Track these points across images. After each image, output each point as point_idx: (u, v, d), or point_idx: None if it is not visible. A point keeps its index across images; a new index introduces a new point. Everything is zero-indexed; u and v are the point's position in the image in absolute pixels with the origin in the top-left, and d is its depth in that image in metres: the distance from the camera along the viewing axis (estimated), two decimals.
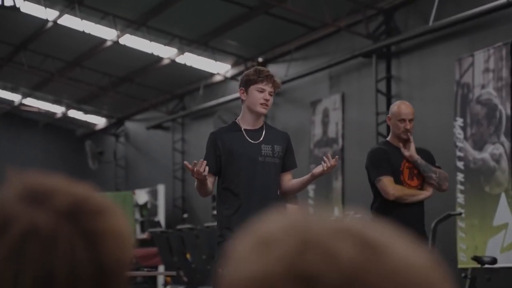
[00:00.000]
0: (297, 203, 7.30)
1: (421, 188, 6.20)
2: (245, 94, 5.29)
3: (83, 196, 1.12)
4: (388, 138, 6.38)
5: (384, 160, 6.16)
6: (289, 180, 5.41)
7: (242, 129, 5.31)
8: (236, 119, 5.42)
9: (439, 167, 6.27)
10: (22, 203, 1.09)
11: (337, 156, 5.32)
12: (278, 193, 5.43)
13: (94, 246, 1.09)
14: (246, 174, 5.21)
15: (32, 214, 1.08)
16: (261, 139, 5.31)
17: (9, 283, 1.06)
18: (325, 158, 5.21)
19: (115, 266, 1.10)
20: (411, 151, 6.19)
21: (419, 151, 6.31)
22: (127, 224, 1.14)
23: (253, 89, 5.24)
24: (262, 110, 5.27)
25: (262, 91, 5.23)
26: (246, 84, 5.28)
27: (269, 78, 5.26)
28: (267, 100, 5.24)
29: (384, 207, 6.13)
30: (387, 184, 6.08)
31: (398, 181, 6.14)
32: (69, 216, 1.09)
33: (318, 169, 5.25)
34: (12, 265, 1.06)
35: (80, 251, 1.07)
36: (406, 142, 6.23)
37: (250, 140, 5.29)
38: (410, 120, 6.20)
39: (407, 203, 6.10)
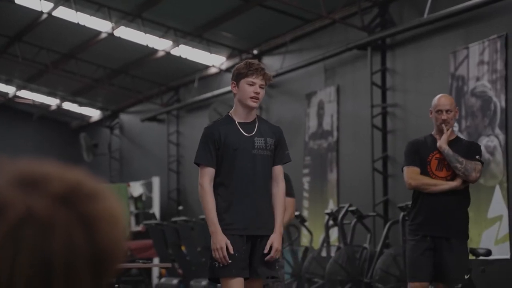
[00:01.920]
0: (293, 196, 7.29)
1: (451, 179, 6.29)
2: (236, 87, 5.30)
3: (77, 180, 1.12)
4: (433, 131, 6.49)
5: (413, 151, 6.37)
6: (277, 183, 5.36)
7: (236, 122, 5.31)
8: (229, 112, 5.43)
9: (479, 160, 6.34)
10: (16, 188, 1.09)
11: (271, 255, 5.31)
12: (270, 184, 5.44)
13: (90, 229, 1.09)
14: (241, 166, 5.23)
15: (28, 199, 1.08)
16: (254, 132, 5.32)
17: (6, 269, 1.06)
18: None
19: (111, 248, 1.11)
20: (440, 141, 6.30)
21: (465, 143, 6.47)
22: (120, 208, 1.15)
23: (243, 82, 5.25)
24: (252, 103, 5.27)
25: (252, 84, 5.24)
26: (237, 78, 5.29)
27: (259, 71, 5.26)
28: (257, 93, 5.25)
29: (415, 196, 6.37)
30: (407, 174, 6.32)
31: (424, 171, 6.30)
32: (65, 200, 1.09)
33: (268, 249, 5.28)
34: (9, 251, 1.06)
35: (77, 234, 1.08)
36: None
37: (244, 133, 5.30)
38: (447, 111, 6.30)
39: (430, 192, 6.22)
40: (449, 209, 6.25)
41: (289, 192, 7.18)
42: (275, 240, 5.25)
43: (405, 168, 6.36)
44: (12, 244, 1.07)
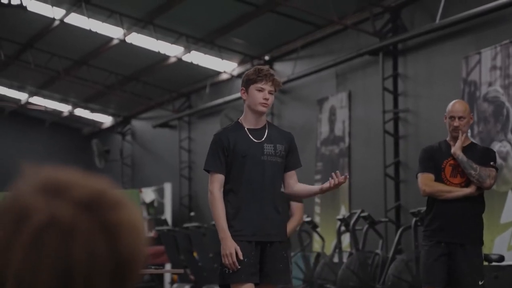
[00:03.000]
0: (301, 201, 7.31)
1: (466, 185, 6.29)
2: (245, 93, 5.32)
3: (99, 189, 1.14)
4: (447, 137, 6.49)
5: (428, 158, 6.37)
6: (294, 180, 5.42)
7: (246, 128, 5.33)
8: (238, 118, 5.45)
9: (494, 166, 6.33)
10: (40, 195, 1.11)
11: (346, 174, 5.28)
12: (282, 190, 5.45)
13: (112, 237, 1.10)
14: (250, 173, 5.25)
15: (51, 205, 1.09)
16: (264, 138, 5.33)
17: (29, 274, 1.07)
18: (333, 175, 5.18)
19: (131, 256, 1.12)
20: (455, 148, 6.30)
21: (480, 149, 6.47)
22: (141, 218, 1.16)
23: (253, 88, 5.27)
24: (262, 109, 5.29)
25: (261, 90, 5.26)
26: (246, 84, 5.31)
27: (269, 77, 5.28)
28: (266, 99, 5.27)
29: (430, 202, 6.37)
30: (422, 181, 6.32)
31: (439, 178, 6.30)
32: (87, 207, 1.10)
33: (326, 185, 5.25)
34: (32, 256, 1.07)
35: (98, 242, 1.09)
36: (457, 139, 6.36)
37: (254, 139, 5.31)
38: (460, 118, 6.29)
39: (446, 199, 6.23)
40: (464, 215, 6.24)
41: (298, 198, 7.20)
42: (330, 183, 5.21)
43: (419, 175, 6.36)
44: (35, 249, 1.08)
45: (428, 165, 6.33)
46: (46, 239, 1.08)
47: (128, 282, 1.12)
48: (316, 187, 5.50)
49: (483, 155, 6.35)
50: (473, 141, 6.43)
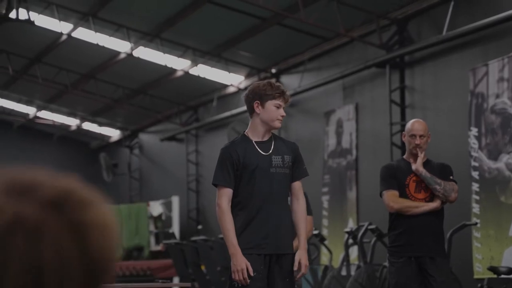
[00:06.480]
0: (311, 213, 7.27)
1: (430, 200, 6.47)
2: (260, 107, 5.31)
3: (68, 188, 1.12)
4: (404, 155, 6.74)
5: (390, 175, 6.56)
6: (296, 197, 5.40)
7: (253, 141, 5.34)
8: (244, 131, 5.45)
9: (453, 181, 6.52)
10: (5, 195, 1.08)
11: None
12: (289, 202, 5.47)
13: (81, 236, 1.08)
14: (259, 186, 5.25)
15: (17, 206, 1.07)
16: (271, 150, 5.34)
17: None
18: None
19: (102, 256, 1.10)
20: (417, 165, 6.49)
21: (436, 165, 6.62)
22: (112, 215, 1.14)
23: (270, 104, 5.30)
24: (279, 125, 5.39)
25: (279, 107, 5.32)
26: (263, 98, 5.31)
27: (284, 94, 5.37)
28: (283, 116, 5.33)
29: (394, 219, 6.53)
30: (388, 198, 6.50)
31: (403, 194, 6.49)
32: (55, 207, 1.08)
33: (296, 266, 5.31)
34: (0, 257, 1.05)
35: (67, 241, 1.07)
36: (417, 157, 6.57)
37: (262, 152, 5.31)
38: (421, 136, 6.54)
39: (412, 214, 6.39)
40: (431, 229, 6.42)
41: (307, 210, 7.18)
42: (302, 256, 5.27)
43: (384, 192, 6.54)
44: (2, 250, 1.06)
45: (392, 182, 6.52)
46: (12, 240, 1.05)
47: (100, 282, 1.11)
48: (300, 246, 5.36)
49: (441, 170, 6.55)
50: (429, 158, 6.66)
